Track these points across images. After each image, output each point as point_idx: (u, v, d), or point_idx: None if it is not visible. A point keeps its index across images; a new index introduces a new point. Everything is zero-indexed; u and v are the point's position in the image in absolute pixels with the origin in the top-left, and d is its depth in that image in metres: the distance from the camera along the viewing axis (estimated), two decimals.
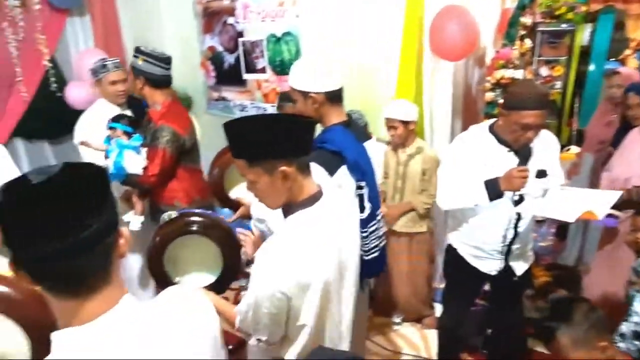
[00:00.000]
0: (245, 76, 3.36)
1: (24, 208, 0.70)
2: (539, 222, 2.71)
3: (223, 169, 2.09)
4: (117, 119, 2.42)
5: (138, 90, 2.34)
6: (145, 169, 2.28)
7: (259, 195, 1.26)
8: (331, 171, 1.60)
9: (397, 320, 2.95)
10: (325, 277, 1.21)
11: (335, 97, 1.73)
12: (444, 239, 2.35)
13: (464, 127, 2.98)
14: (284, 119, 1.38)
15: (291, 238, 1.21)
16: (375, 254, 1.79)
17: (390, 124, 2.60)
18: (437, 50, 2.67)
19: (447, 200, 1.98)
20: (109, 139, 2.39)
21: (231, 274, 1.82)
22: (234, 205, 1.97)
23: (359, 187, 1.67)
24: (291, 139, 1.18)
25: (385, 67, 2.83)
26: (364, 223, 1.70)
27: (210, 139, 2.75)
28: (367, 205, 1.69)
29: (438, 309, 2.85)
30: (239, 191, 2.12)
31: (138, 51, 2.30)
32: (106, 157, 2.32)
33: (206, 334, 0.89)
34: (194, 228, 1.75)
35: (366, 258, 1.77)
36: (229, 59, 3.41)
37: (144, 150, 2.35)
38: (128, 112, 2.63)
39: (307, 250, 1.18)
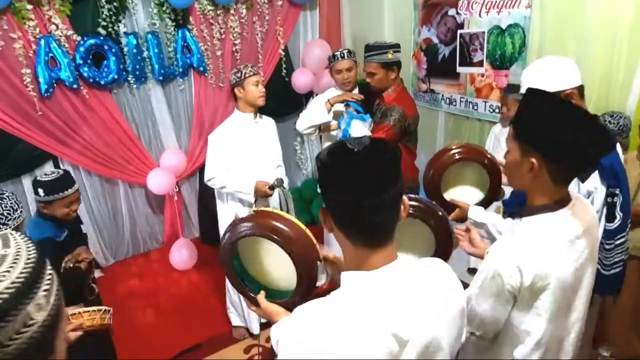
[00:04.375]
0: (459, 69, 3.31)
1: (355, 169, 0.85)
2: None
3: (441, 171, 2.05)
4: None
5: (385, 81, 2.58)
6: None
7: (506, 166, 1.25)
8: (583, 176, 1.48)
9: (605, 353, 2.59)
10: (560, 286, 1.13)
11: (583, 92, 1.62)
12: None
13: None
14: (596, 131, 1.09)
15: (524, 240, 1.15)
16: (617, 270, 1.60)
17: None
18: None
19: None
20: (342, 116, 2.75)
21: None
22: (449, 207, 1.96)
23: (612, 195, 1.51)
24: (577, 147, 1.08)
25: (625, 68, 2.42)
26: (612, 234, 1.53)
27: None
28: (619, 214, 1.52)
29: None
30: (455, 193, 2.08)
31: (389, 46, 2.56)
32: (338, 126, 2.71)
33: (457, 301, 0.97)
34: (411, 212, 1.80)
35: (605, 273, 1.60)
36: (444, 50, 3.39)
37: (370, 126, 2.63)
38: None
39: (538, 255, 1.12)
